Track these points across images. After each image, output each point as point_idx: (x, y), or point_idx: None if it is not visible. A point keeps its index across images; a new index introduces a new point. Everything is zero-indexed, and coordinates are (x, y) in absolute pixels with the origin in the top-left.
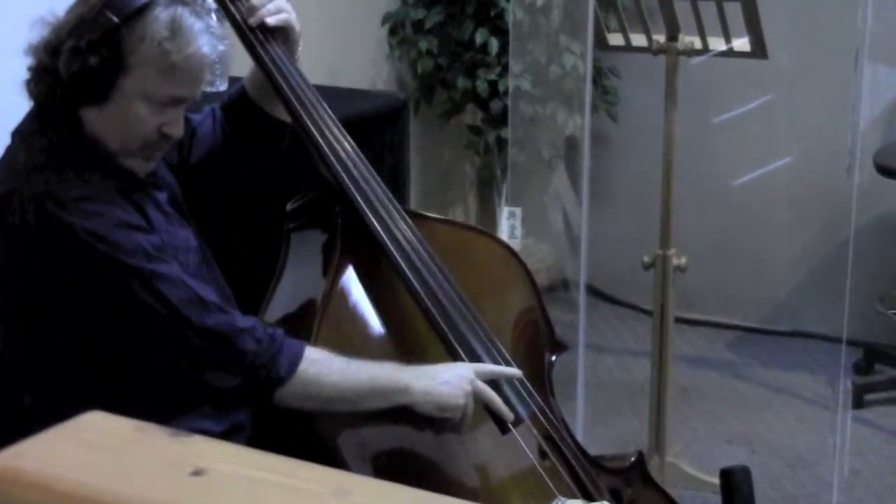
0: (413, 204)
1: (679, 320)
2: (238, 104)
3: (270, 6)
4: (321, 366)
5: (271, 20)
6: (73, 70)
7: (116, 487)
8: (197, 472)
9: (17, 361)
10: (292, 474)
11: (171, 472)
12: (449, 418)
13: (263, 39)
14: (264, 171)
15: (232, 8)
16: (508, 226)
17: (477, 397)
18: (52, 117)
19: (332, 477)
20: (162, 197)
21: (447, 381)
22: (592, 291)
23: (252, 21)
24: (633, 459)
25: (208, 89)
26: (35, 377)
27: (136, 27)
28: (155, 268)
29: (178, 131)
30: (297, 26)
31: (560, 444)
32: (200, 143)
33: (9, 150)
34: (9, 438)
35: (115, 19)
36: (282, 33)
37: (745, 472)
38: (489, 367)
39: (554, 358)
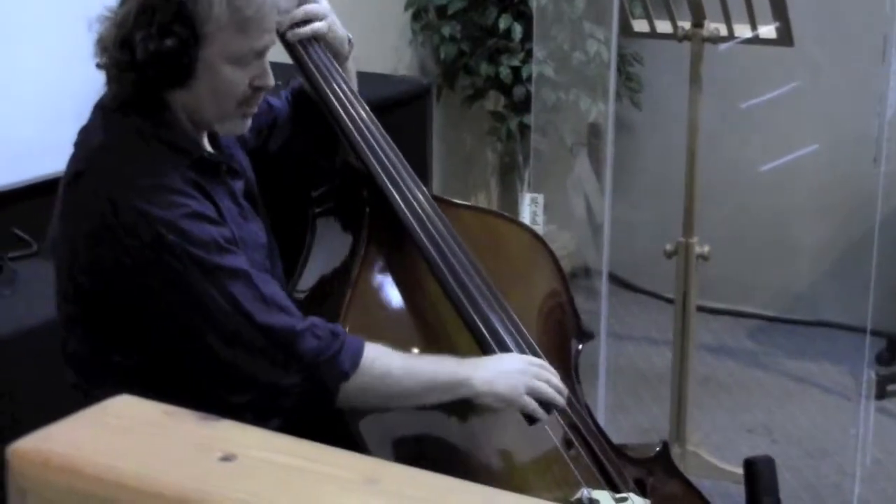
0: (435, 189)
1: (701, 309)
2: (299, 97)
3: (298, 13)
4: (383, 361)
5: (291, 36)
6: (153, 58)
7: (145, 472)
8: (226, 458)
9: (79, 351)
10: (322, 460)
11: (199, 457)
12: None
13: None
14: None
15: None
16: (530, 212)
17: (533, 391)
18: (135, 103)
19: (362, 464)
20: (238, 186)
21: (507, 372)
22: (614, 279)
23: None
24: (657, 449)
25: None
26: (94, 368)
27: None
28: (222, 261)
29: (269, 81)
30: (327, 29)
31: (585, 433)
32: (280, 131)
33: (90, 124)
34: None
35: None
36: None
37: (768, 461)
38: (538, 360)
39: (581, 346)
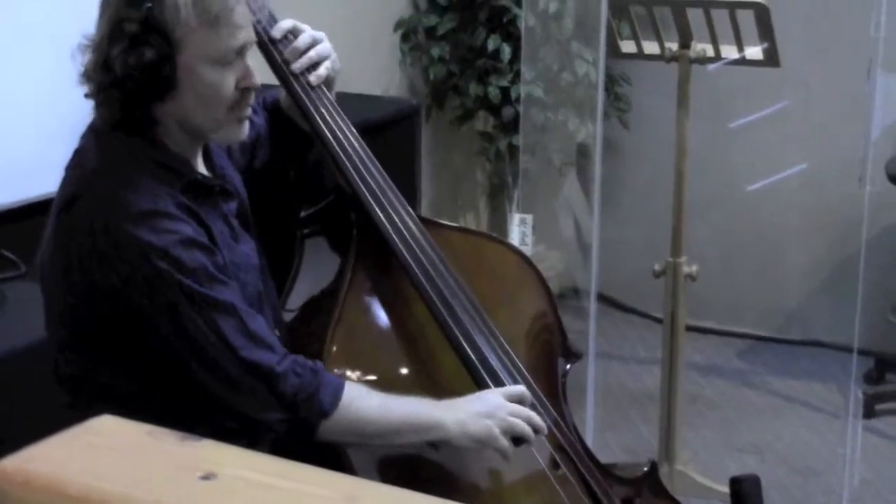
0: (424, 210)
1: (689, 328)
2: (275, 113)
3: (313, 55)
4: (361, 400)
5: (314, 79)
6: (133, 72)
7: (126, 491)
8: (206, 477)
9: (71, 372)
10: (302, 479)
11: (180, 477)
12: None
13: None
14: (285, 178)
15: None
16: (519, 232)
17: (507, 430)
18: (126, 123)
19: (342, 482)
20: (231, 208)
21: (480, 412)
22: (603, 299)
23: (295, 68)
24: (645, 469)
25: (262, 26)
26: (87, 389)
27: (165, 0)
28: (211, 292)
29: (255, 80)
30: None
31: (572, 454)
32: (263, 148)
33: (82, 147)
34: None
35: (145, 4)
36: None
37: (754, 480)
38: (516, 390)
39: (568, 366)
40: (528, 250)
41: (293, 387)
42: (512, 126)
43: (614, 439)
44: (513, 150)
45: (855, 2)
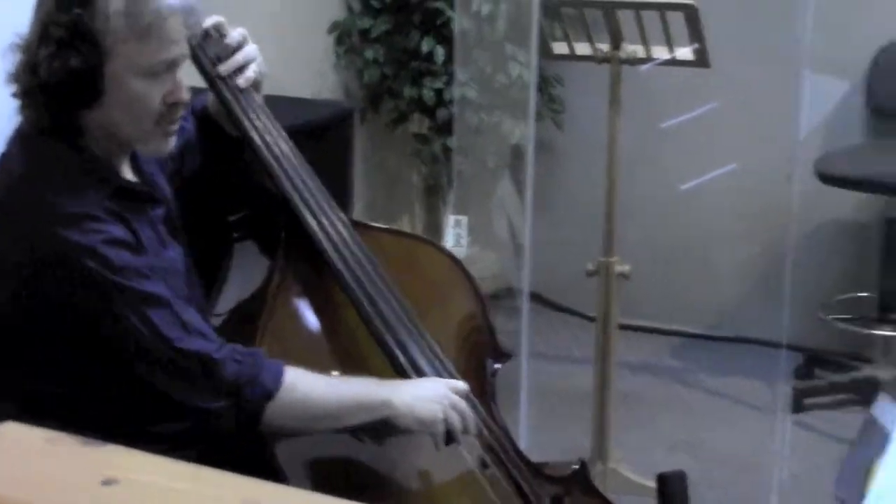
0: (359, 212)
1: (624, 327)
2: (203, 118)
3: (240, 57)
4: (305, 381)
5: (242, 82)
6: (59, 77)
7: (28, 498)
8: (108, 482)
9: (7, 380)
10: (204, 482)
11: (83, 482)
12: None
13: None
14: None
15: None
16: (454, 234)
17: (452, 413)
18: (52, 128)
19: (242, 485)
20: (157, 213)
21: (426, 395)
22: (537, 299)
23: (223, 71)
24: (575, 468)
25: (194, 42)
26: (18, 388)
27: (96, 7)
28: (141, 287)
29: (184, 95)
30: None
31: (501, 453)
32: (192, 154)
33: (8, 152)
34: None
35: (74, 10)
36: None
37: (680, 476)
38: (460, 386)
39: (497, 366)
40: (463, 252)
41: (234, 372)
42: (446, 128)
43: (548, 439)
44: (447, 151)
45: (784, 3)
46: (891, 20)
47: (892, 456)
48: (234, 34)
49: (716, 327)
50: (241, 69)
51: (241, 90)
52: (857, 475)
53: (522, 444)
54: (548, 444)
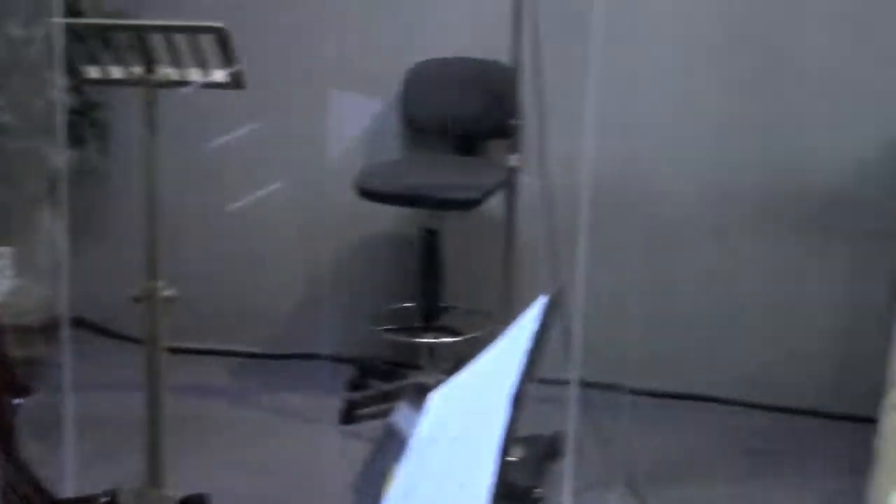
0: None
1: (180, 350)
2: None
3: None
4: None
5: None
6: None
7: None
8: None
9: None
10: None
11: None
12: None
13: None
14: None
15: None
16: None
17: None
18: None
19: None
20: None
21: None
22: (88, 326)
23: None
24: (103, 500)
25: None
26: None
27: None
28: None
29: None
30: None
31: (20, 492)
32: None
33: None
34: None
35: None
36: None
37: (199, 500)
38: None
39: (18, 401)
40: (7, 285)
41: None
42: None
43: (102, 471)
44: None
45: (316, 25)
46: (424, 40)
47: (409, 462)
48: None
49: (272, 345)
50: None
51: None
52: (375, 481)
53: (70, 482)
54: (101, 475)
